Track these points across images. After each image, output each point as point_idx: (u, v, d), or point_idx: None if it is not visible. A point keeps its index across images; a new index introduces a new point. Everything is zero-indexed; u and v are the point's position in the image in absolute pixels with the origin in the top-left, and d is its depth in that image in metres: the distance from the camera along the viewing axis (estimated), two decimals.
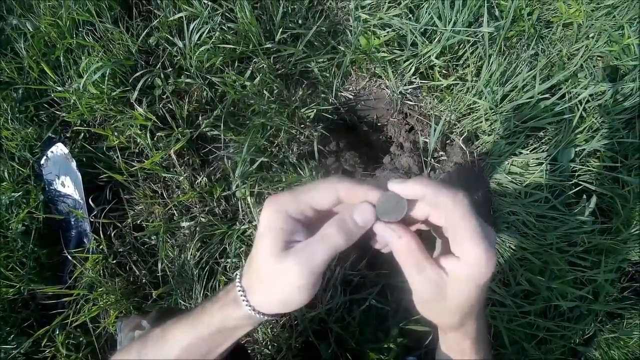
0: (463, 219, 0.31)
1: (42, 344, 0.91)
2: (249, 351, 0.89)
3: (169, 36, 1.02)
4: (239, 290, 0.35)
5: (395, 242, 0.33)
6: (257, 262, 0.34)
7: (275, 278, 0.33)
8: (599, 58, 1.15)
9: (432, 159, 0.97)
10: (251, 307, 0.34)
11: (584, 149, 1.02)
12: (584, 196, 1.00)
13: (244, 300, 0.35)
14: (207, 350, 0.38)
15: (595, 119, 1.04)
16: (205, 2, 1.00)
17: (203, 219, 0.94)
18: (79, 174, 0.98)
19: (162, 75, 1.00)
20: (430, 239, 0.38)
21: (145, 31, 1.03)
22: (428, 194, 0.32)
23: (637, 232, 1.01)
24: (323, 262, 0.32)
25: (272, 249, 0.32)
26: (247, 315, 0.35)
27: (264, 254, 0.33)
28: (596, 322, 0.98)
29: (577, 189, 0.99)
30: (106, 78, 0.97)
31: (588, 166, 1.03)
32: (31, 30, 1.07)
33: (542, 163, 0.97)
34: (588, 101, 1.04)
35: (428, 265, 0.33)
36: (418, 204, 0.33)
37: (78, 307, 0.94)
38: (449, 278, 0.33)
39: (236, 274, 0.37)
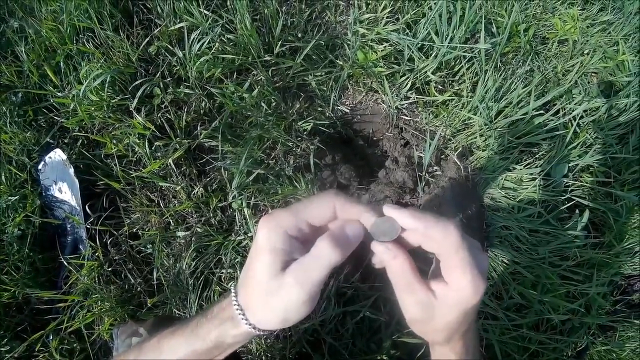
0: (453, 252, 0.32)
1: (36, 349, 0.91)
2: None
3: (169, 45, 1.03)
4: (237, 309, 0.35)
5: (390, 261, 0.34)
6: (256, 280, 0.34)
7: (275, 297, 0.33)
8: (593, 74, 1.16)
9: (426, 174, 0.98)
10: (251, 325, 0.35)
11: (577, 164, 1.04)
12: (577, 211, 1.01)
13: (243, 319, 0.35)
14: None
15: (589, 135, 1.05)
16: (206, 13, 1.00)
17: (199, 229, 0.94)
18: (76, 180, 0.99)
19: (161, 85, 1.00)
20: (427, 253, 0.39)
21: (146, 40, 1.04)
22: (419, 228, 0.33)
23: (629, 245, 1.02)
24: (320, 279, 0.33)
25: (270, 269, 0.33)
26: (245, 332, 0.36)
27: (262, 273, 0.33)
28: (588, 335, 0.99)
29: (570, 204, 1.00)
30: (106, 85, 0.98)
31: (581, 181, 1.04)
32: (32, 34, 1.08)
33: (536, 178, 0.98)
34: (582, 117, 1.06)
35: (419, 287, 0.34)
36: (412, 231, 0.34)
37: (73, 313, 0.94)
38: (438, 301, 0.34)
39: (231, 289, 0.37)
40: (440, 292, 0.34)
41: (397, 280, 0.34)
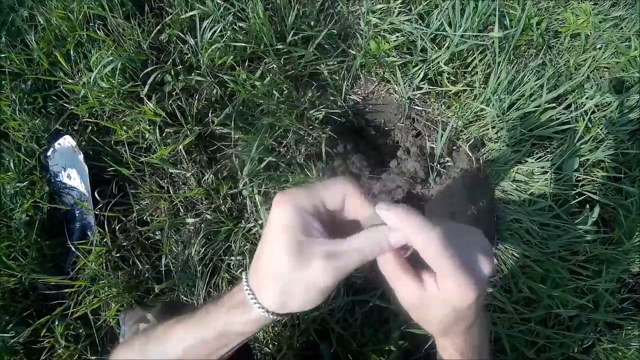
0: (436, 258, 0.31)
1: (41, 334, 0.90)
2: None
3: (180, 33, 1.02)
4: (248, 293, 0.34)
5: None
6: (271, 261, 0.33)
7: (296, 278, 0.32)
8: (605, 69, 1.16)
9: (438, 165, 0.97)
10: (263, 309, 0.33)
11: (588, 159, 1.03)
12: (587, 206, 1.00)
13: (255, 303, 0.33)
14: (210, 352, 0.37)
15: (600, 130, 1.05)
16: (218, 1, 1.00)
17: (209, 216, 0.94)
18: (85, 166, 0.99)
19: (172, 72, 1.00)
20: None
21: (157, 28, 1.04)
22: (401, 230, 0.31)
23: (639, 243, 1.01)
24: (351, 270, 0.32)
25: (289, 248, 0.31)
26: (257, 318, 0.34)
27: (280, 253, 0.32)
28: (595, 331, 0.98)
29: (581, 198, 1.00)
30: (116, 72, 0.98)
31: (592, 176, 1.03)
32: (42, 22, 1.08)
33: (547, 172, 0.98)
34: (593, 112, 1.06)
35: (406, 281, 0.33)
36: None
37: (79, 298, 0.94)
38: (427, 294, 0.33)
39: (242, 275, 0.36)
40: (430, 287, 0.33)
41: (386, 273, 0.34)
